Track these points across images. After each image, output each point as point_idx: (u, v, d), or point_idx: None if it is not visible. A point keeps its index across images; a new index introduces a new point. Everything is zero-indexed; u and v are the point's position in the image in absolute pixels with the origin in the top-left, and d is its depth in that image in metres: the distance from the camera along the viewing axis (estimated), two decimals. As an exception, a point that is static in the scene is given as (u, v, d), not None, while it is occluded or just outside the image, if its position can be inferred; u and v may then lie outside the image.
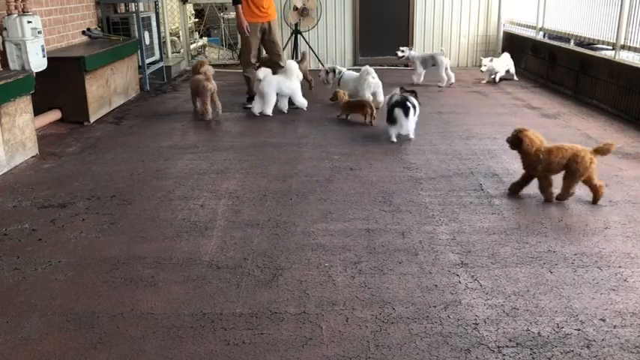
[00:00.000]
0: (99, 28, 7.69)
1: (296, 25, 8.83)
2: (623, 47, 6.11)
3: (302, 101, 6.46)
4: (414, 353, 2.30)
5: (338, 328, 2.47)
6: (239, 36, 6.72)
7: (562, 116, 6.11)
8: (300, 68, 6.55)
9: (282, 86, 6.30)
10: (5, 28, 5.17)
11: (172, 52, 10.04)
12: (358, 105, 6.02)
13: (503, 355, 2.28)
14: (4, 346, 2.39)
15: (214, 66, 7.02)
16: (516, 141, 3.81)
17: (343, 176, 4.36)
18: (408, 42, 9.53)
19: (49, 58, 5.52)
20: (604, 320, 2.49)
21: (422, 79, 7.96)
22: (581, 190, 3.97)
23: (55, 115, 5.96)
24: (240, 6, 6.26)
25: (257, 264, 3.03)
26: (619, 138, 5.22)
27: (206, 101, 6.09)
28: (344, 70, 7.04)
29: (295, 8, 8.64)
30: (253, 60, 6.54)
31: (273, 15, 6.46)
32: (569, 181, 3.67)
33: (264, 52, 6.90)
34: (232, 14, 10.71)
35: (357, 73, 6.66)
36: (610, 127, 5.59)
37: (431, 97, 7.12)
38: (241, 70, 6.89)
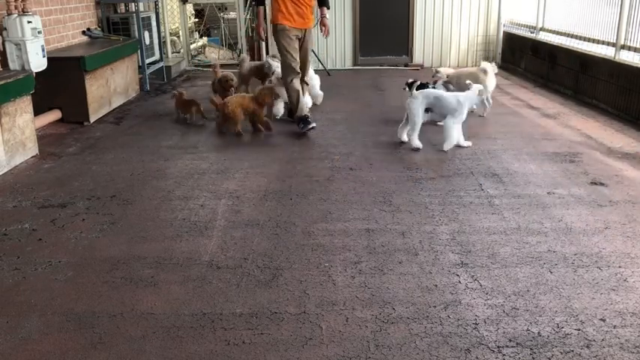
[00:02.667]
0: (99, 28, 7.69)
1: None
2: (623, 47, 6.11)
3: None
4: (414, 353, 2.30)
5: (338, 328, 2.47)
6: (274, 43, 5.69)
7: (562, 116, 6.11)
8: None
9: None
10: (5, 28, 5.17)
11: (172, 52, 10.04)
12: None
13: (503, 355, 2.28)
14: (4, 346, 2.39)
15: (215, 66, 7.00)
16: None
17: (343, 176, 4.36)
18: (408, 42, 9.53)
19: (49, 58, 5.52)
20: (604, 320, 2.49)
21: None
22: (581, 190, 3.98)
23: (55, 115, 5.96)
24: (261, 8, 5.73)
25: (257, 264, 3.03)
26: (619, 138, 5.22)
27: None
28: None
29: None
30: (297, 67, 5.54)
31: (311, 22, 5.64)
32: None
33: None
34: (232, 14, 10.74)
35: None
36: (610, 127, 5.59)
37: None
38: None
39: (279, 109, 6.10)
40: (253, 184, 4.21)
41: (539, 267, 2.95)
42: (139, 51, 7.60)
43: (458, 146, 4.94)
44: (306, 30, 5.58)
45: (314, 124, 5.53)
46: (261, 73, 6.65)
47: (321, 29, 5.70)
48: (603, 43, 6.48)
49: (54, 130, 5.81)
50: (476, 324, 2.48)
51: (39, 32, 5.34)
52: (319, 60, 9.25)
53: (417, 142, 4.95)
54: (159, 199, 3.96)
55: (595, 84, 6.47)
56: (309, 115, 5.61)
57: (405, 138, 5.11)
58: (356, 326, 2.48)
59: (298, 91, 5.55)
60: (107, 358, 2.30)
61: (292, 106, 5.68)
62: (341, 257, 3.09)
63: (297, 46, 5.51)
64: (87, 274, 2.95)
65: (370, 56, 9.53)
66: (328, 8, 5.79)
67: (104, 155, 5.01)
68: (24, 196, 4.07)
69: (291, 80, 5.53)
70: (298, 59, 5.53)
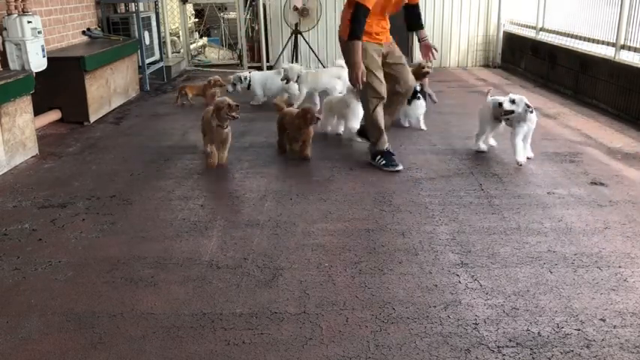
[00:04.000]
0: (99, 28, 7.69)
1: (296, 25, 8.84)
2: (623, 47, 6.11)
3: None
4: (414, 353, 2.30)
5: (338, 328, 2.47)
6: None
7: (562, 116, 6.11)
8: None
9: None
10: (5, 28, 5.18)
11: (172, 52, 10.04)
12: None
13: (503, 355, 2.28)
14: (4, 346, 2.39)
15: (215, 66, 6.98)
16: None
17: (343, 176, 4.36)
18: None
19: (49, 58, 5.52)
20: (604, 320, 2.49)
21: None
22: (581, 190, 3.98)
23: (55, 115, 5.96)
24: (358, 43, 4.17)
25: (257, 264, 3.03)
26: (619, 138, 5.22)
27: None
28: (250, 74, 6.70)
29: (295, 8, 8.64)
30: (383, 90, 4.44)
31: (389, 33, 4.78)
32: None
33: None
34: (232, 14, 10.75)
35: (269, 72, 6.91)
36: (610, 127, 5.59)
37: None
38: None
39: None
40: (253, 184, 4.21)
41: (539, 267, 2.95)
42: (139, 51, 7.60)
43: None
44: (391, 43, 4.77)
45: (400, 167, 4.43)
46: None
47: (427, 54, 4.85)
48: (603, 43, 6.48)
49: (54, 130, 5.81)
50: (476, 324, 2.48)
51: (39, 32, 5.35)
52: (319, 60, 9.26)
53: (481, 145, 4.84)
54: (159, 199, 3.96)
55: (595, 84, 6.47)
56: (391, 149, 4.56)
57: (483, 147, 4.85)
58: (356, 326, 2.48)
59: (381, 126, 4.50)
60: (107, 358, 2.30)
61: (371, 137, 4.63)
62: (341, 257, 3.09)
63: (380, 64, 4.49)
64: (87, 274, 2.95)
65: (370, 56, 9.50)
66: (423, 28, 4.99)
67: (104, 155, 5.01)
68: (24, 196, 4.07)
69: (374, 108, 4.46)
70: (383, 81, 4.47)
